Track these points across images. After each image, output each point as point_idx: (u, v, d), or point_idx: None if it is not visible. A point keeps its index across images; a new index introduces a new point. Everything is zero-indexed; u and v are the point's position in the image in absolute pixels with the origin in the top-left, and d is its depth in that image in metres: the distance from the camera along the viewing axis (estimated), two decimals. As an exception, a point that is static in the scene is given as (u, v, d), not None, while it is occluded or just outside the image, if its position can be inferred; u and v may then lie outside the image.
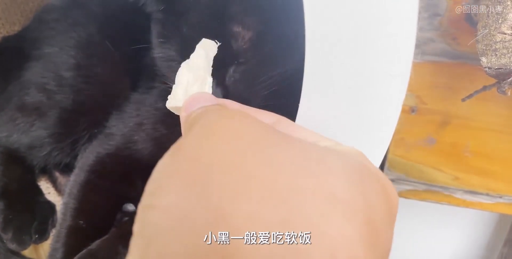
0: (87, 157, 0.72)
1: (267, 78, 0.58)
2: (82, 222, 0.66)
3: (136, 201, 0.72)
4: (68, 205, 0.68)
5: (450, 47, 0.75)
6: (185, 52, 0.55)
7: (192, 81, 0.41)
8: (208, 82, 0.42)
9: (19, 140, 0.77)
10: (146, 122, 0.70)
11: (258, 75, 0.58)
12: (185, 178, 0.26)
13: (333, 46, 0.41)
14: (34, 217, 0.73)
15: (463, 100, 0.70)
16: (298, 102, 0.63)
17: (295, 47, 0.58)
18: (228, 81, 0.57)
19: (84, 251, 0.61)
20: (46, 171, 0.85)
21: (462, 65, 0.76)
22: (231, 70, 0.57)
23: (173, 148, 0.31)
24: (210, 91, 0.42)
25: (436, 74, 0.78)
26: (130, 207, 0.71)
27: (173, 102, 0.40)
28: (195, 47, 0.49)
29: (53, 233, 0.73)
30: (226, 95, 0.56)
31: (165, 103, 0.58)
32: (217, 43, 0.50)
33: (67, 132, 0.76)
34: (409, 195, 0.92)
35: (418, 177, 0.89)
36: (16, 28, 0.97)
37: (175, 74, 0.58)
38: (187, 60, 0.45)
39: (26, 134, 0.77)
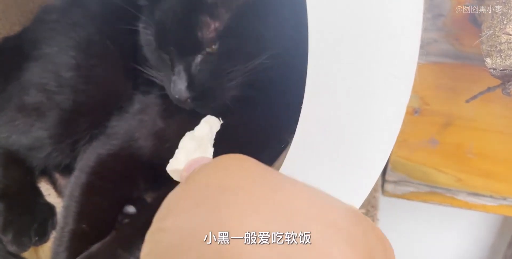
0: (87, 159, 0.71)
1: (235, 70, 0.59)
2: (85, 225, 0.65)
3: (137, 202, 0.72)
4: (70, 208, 0.67)
5: (453, 48, 0.75)
6: (159, 37, 0.61)
7: (193, 148, 0.45)
8: (209, 151, 0.45)
9: (19, 141, 0.77)
10: (146, 119, 0.71)
11: (224, 66, 0.59)
12: (193, 201, 0.28)
13: (337, 47, 0.41)
14: (34, 219, 0.72)
15: (467, 101, 0.70)
16: (284, 95, 0.62)
17: (271, 41, 0.60)
18: (193, 70, 0.59)
19: (83, 254, 0.60)
20: (46, 173, 0.84)
21: (466, 66, 0.75)
22: (198, 59, 0.59)
23: (182, 183, 0.34)
24: (211, 157, 0.45)
25: (439, 75, 0.77)
26: (130, 209, 0.71)
27: (174, 165, 0.43)
28: (165, 33, 0.59)
29: (53, 235, 0.72)
30: (191, 82, 0.59)
31: (166, 97, 0.63)
32: (220, 121, 0.56)
33: (67, 132, 0.75)
34: (412, 197, 0.91)
35: (420, 179, 0.89)
36: (17, 29, 0.96)
37: (152, 59, 0.65)
38: (191, 131, 0.50)
39: (26, 135, 0.76)
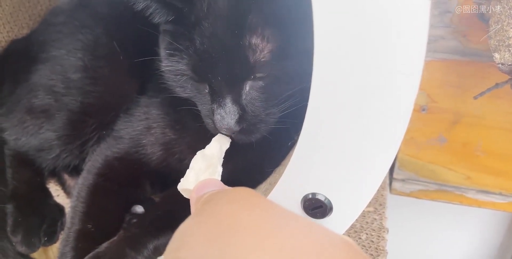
0: (95, 160, 0.72)
1: (287, 95, 0.55)
2: (90, 226, 0.65)
3: (144, 203, 0.72)
4: (76, 209, 0.68)
5: (461, 45, 0.74)
6: (196, 66, 0.54)
7: (204, 168, 0.48)
8: (218, 170, 0.47)
9: (28, 143, 0.77)
10: (155, 126, 0.70)
11: (277, 92, 0.55)
12: (207, 237, 0.31)
13: (344, 44, 0.40)
14: (43, 219, 0.73)
15: (475, 97, 0.69)
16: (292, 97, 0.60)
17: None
18: (244, 99, 0.54)
19: (90, 254, 0.60)
20: (55, 174, 0.85)
21: (474, 63, 0.75)
22: (247, 87, 0.54)
23: (194, 214, 0.38)
24: (219, 178, 0.47)
25: (447, 72, 0.77)
26: (138, 209, 0.71)
27: (185, 185, 0.47)
28: (208, 61, 0.52)
29: (62, 235, 0.73)
30: (242, 115, 0.54)
31: (174, 107, 0.62)
32: (230, 140, 0.56)
33: (75, 134, 0.75)
34: (420, 195, 0.91)
35: (429, 177, 0.88)
36: (25, 32, 0.97)
37: (182, 87, 0.61)
38: (202, 150, 0.52)
39: (35, 136, 0.77)
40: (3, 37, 0.94)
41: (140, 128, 0.71)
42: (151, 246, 0.62)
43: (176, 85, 0.61)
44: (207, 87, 0.56)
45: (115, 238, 0.63)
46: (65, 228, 0.69)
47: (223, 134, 0.56)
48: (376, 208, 0.76)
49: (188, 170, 0.48)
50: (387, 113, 0.44)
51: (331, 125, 0.46)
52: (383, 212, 0.75)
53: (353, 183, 0.49)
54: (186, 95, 0.61)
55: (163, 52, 0.60)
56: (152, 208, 0.70)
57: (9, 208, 0.73)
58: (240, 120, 0.54)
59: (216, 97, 0.55)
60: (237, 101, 0.54)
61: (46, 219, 0.73)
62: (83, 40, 0.77)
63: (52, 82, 0.76)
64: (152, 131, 0.70)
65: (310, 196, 0.50)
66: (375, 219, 0.74)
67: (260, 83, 0.54)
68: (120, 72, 0.74)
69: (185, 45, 0.54)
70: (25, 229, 0.70)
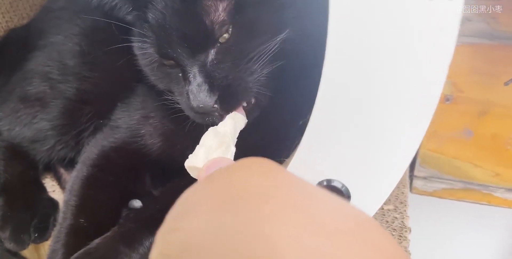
0: (90, 151, 0.67)
1: (262, 48, 0.51)
2: (83, 220, 0.60)
3: (143, 197, 0.67)
4: (69, 203, 0.63)
5: (489, 27, 0.68)
6: (160, 43, 0.52)
7: (215, 146, 0.43)
8: (231, 150, 0.43)
9: (22, 134, 0.73)
10: (152, 116, 0.65)
11: (246, 48, 0.51)
12: (216, 203, 0.26)
13: (365, 25, 0.35)
14: (34, 215, 0.68)
15: (506, 84, 0.63)
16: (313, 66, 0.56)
17: (291, 7, 0.52)
18: (210, 68, 0.51)
19: (81, 250, 0.55)
20: (51, 168, 0.80)
21: (504, 47, 0.68)
22: (212, 52, 0.51)
23: (200, 182, 0.33)
24: (232, 158, 0.42)
25: (474, 58, 0.70)
26: (136, 203, 0.65)
27: (193, 161, 0.42)
28: (166, 36, 0.50)
29: (54, 232, 0.67)
30: (211, 84, 0.50)
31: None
32: (245, 119, 0.51)
33: (71, 123, 0.71)
34: (444, 195, 0.84)
35: (453, 174, 0.81)
36: (25, 22, 0.94)
37: (158, 78, 0.57)
38: (215, 126, 0.48)
39: (29, 126, 0.72)
40: (2, 27, 0.90)
41: (137, 117, 0.67)
42: (147, 243, 0.56)
43: (154, 77, 0.59)
44: (180, 71, 0.54)
45: (108, 233, 0.58)
46: (57, 224, 0.64)
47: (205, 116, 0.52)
48: (396, 206, 0.69)
49: (198, 146, 0.44)
50: (409, 103, 0.39)
51: (350, 103, 0.41)
52: (405, 211, 0.68)
53: (373, 169, 0.44)
54: (164, 86, 0.58)
55: (134, 46, 0.59)
56: (151, 202, 0.64)
57: (-1, 201, 0.68)
58: (211, 89, 0.50)
59: (185, 76, 0.52)
60: (203, 71, 0.51)
61: (38, 215, 0.68)
62: (80, 24, 0.74)
63: (48, 68, 0.72)
64: (150, 121, 0.65)
65: (325, 183, 0.44)
66: (396, 217, 0.67)
67: (225, 44, 0.51)
68: (118, 57, 0.69)
69: (145, 28, 0.53)
70: (14, 224, 0.66)
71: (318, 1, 0.53)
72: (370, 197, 0.45)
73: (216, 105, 0.50)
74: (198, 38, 0.50)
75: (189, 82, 0.52)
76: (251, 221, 0.23)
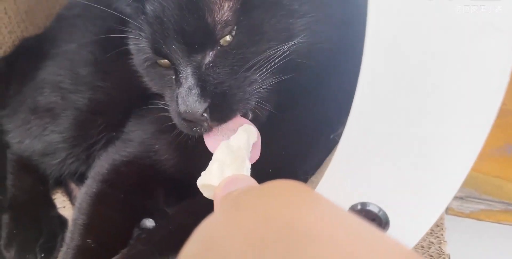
0: (100, 166, 0.63)
1: (262, 57, 0.45)
2: (91, 241, 0.56)
3: (156, 216, 0.62)
4: (77, 222, 0.58)
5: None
6: (153, 39, 0.47)
7: (229, 161, 0.39)
8: (246, 165, 0.39)
9: (32, 146, 0.70)
10: (168, 129, 0.60)
11: (248, 54, 0.46)
12: (252, 244, 0.21)
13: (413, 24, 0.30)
14: (41, 233, 0.64)
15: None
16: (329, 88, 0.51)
17: (305, 16, 0.46)
18: (205, 71, 0.45)
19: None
20: (61, 183, 0.76)
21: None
22: (210, 54, 0.46)
23: (226, 209, 0.28)
24: (248, 174, 0.39)
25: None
26: (149, 222, 0.61)
27: (207, 179, 0.38)
28: (162, 30, 0.45)
29: (61, 252, 0.63)
30: (203, 88, 0.45)
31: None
32: (257, 132, 0.46)
33: (82, 135, 0.68)
34: (482, 216, 0.77)
35: (493, 194, 0.75)
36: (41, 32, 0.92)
37: (150, 78, 0.53)
38: (227, 140, 0.44)
39: (39, 139, 0.69)
40: (17, 36, 0.88)
41: (152, 131, 0.62)
42: (159, 269, 0.51)
43: (147, 77, 0.54)
44: (173, 72, 0.49)
45: (117, 256, 0.53)
46: (64, 244, 0.59)
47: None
48: (432, 230, 0.63)
49: (210, 162, 0.40)
50: (469, 112, 0.34)
51: (392, 116, 0.35)
52: (442, 235, 0.62)
53: (417, 192, 0.38)
54: (157, 88, 0.54)
55: (131, 43, 0.55)
56: (164, 222, 0.59)
57: (5, 218, 0.65)
58: (202, 95, 0.44)
59: (177, 77, 0.47)
60: (196, 73, 0.45)
61: (44, 233, 0.64)
62: (95, 32, 0.71)
63: (60, 78, 0.70)
64: (165, 135, 0.61)
65: (360, 206, 0.39)
66: (432, 243, 0.61)
67: (225, 47, 0.45)
68: (132, 66, 0.66)
69: (141, 20, 0.48)
70: (20, 243, 0.62)
71: (342, 13, 0.49)
72: (411, 224, 0.39)
73: (205, 114, 0.45)
74: (197, 36, 0.45)
75: (180, 83, 0.46)
76: None
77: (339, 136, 0.37)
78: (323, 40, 0.48)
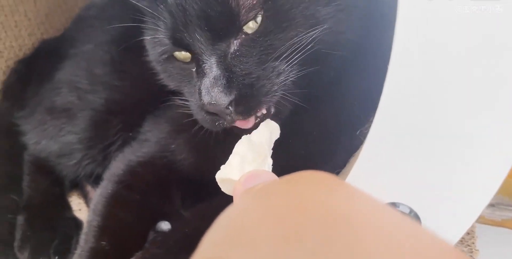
0: (116, 167, 0.61)
1: (290, 44, 0.42)
2: (105, 243, 0.54)
3: (172, 218, 0.60)
4: (92, 224, 0.57)
5: None
6: (173, 29, 0.45)
7: (250, 158, 0.37)
8: (268, 162, 0.38)
9: (48, 147, 0.70)
10: (185, 129, 0.58)
11: (275, 42, 0.43)
12: (283, 230, 0.20)
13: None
14: (55, 235, 0.63)
15: None
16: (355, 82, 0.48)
17: (331, 4, 0.43)
18: (230, 61, 0.43)
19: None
20: (77, 185, 0.75)
21: None
22: (235, 43, 0.43)
23: (245, 199, 0.28)
24: (270, 171, 0.37)
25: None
26: (164, 225, 0.59)
27: (227, 173, 0.36)
28: (183, 18, 0.43)
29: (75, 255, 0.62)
30: (230, 79, 0.42)
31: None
32: (279, 128, 0.43)
33: (98, 136, 0.67)
34: (515, 225, 0.72)
35: (527, 201, 0.70)
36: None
37: (168, 74, 0.51)
38: (248, 135, 0.41)
39: (55, 140, 0.69)
40: (37, 38, 0.88)
41: (168, 130, 0.61)
42: (174, 273, 0.49)
43: (164, 73, 0.52)
44: (194, 64, 0.46)
45: (131, 259, 0.51)
46: (78, 246, 0.58)
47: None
48: (462, 238, 0.59)
49: (231, 156, 0.37)
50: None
51: (426, 109, 0.33)
52: (473, 244, 0.58)
53: (451, 193, 0.35)
54: (174, 84, 0.51)
55: (146, 38, 0.52)
56: (180, 225, 0.57)
57: (19, 220, 0.64)
58: (229, 86, 0.41)
59: (199, 68, 0.44)
60: (222, 62, 0.42)
61: (59, 235, 0.63)
62: (111, 32, 0.71)
63: (77, 78, 0.69)
64: (182, 135, 0.59)
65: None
66: (463, 251, 0.57)
67: (251, 35, 0.42)
68: (148, 65, 0.65)
69: (160, 9, 0.45)
70: (34, 245, 0.61)
71: (364, 5, 0.47)
72: (445, 228, 0.36)
73: (230, 107, 0.42)
74: (221, 22, 0.42)
75: (204, 74, 0.43)
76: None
77: (365, 133, 0.35)
78: (347, 30, 0.46)
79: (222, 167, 0.37)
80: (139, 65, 0.65)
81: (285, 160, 0.41)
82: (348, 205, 0.21)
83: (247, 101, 0.42)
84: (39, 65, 0.79)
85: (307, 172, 0.25)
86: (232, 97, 0.41)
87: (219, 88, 0.42)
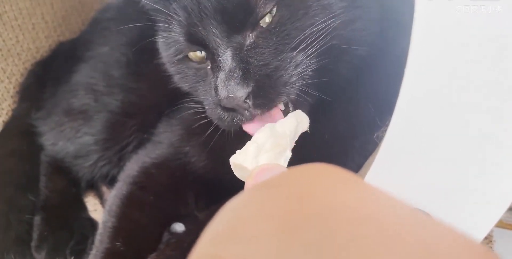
0: (130, 168, 0.62)
1: (307, 34, 0.41)
2: (119, 244, 0.54)
3: (186, 220, 0.60)
4: (107, 224, 0.58)
5: None
6: (188, 25, 0.44)
7: (269, 146, 0.36)
8: (286, 155, 0.36)
9: (65, 149, 0.71)
10: (198, 132, 0.58)
11: (291, 32, 0.42)
12: (285, 223, 0.19)
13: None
14: (72, 235, 0.64)
15: None
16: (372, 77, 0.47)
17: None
18: (246, 54, 0.42)
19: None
20: (93, 186, 0.76)
21: None
22: (251, 35, 0.42)
23: (251, 190, 0.26)
24: (285, 165, 0.36)
25: None
26: (179, 227, 0.59)
27: (241, 159, 0.35)
28: (198, 13, 0.42)
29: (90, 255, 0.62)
30: (246, 71, 0.41)
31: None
32: (308, 121, 0.42)
33: (114, 137, 0.68)
34: (534, 229, 0.71)
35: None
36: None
37: (182, 75, 0.51)
38: (273, 123, 0.39)
39: (72, 141, 0.70)
40: (53, 40, 0.90)
41: (181, 133, 0.61)
42: (188, 275, 0.49)
43: (177, 74, 0.51)
44: (209, 62, 0.45)
45: (144, 262, 0.52)
46: (93, 247, 0.58)
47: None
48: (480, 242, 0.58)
49: (249, 142, 0.36)
50: None
51: (442, 112, 0.32)
52: (490, 248, 0.57)
53: (469, 198, 0.34)
54: (188, 85, 0.50)
55: (159, 40, 0.52)
56: (195, 227, 0.57)
57: (36, 220, 0.65)
58: (245, 79, 0.40)
59: (215, 64, 0.43)
60: (238, 55, 0.41)
61: (75, 235, 0.64)
62: (127, 34, 0.71)
63: (93, 80, 0.70)
64: (195, 138, 0.59)
65: (405, 212, 0.35)
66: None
67: (267, 26, 0.42)
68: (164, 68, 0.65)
69: (173, 7, 0.45)
70: (51, 245, 0.62)
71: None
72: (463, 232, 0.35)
73: (248, 101, 0.41)
74: (238, 14, 0.41)
75: (219, 68, 0.43)
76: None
77: (381, 137, 0.35)
78: (363, 29, 0.45)
79: (238, 152, 0.36)
80: (154, 67, 0.65)
81: (294, 163, 0.41)
82: (354, 198, 0.20)
83: (265, 93, 0.41)
84: (56, 67, 0.80)
85: (316, 164, 0.24)
86: (249, 89, 0.40)
87: (235, 80, 0.41)
